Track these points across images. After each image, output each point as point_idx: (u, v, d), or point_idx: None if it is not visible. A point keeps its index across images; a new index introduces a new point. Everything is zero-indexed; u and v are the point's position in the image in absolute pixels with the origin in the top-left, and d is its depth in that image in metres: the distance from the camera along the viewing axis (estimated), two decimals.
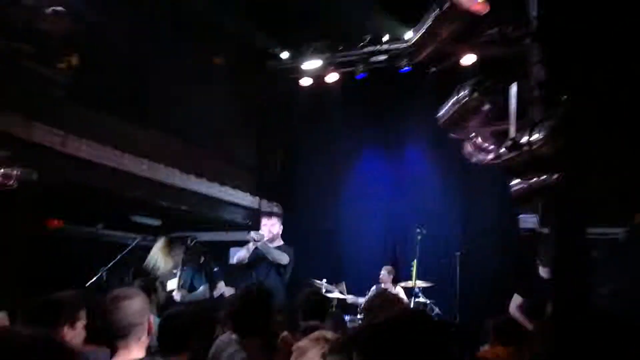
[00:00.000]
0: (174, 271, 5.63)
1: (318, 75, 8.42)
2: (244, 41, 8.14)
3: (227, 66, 8.36)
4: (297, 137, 9.25)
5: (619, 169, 4.67)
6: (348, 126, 8.74)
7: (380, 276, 7.05)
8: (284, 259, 5.48)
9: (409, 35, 7.61)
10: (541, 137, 3.21)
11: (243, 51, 8.45)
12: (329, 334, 3.11)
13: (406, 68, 7.86)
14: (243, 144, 8.60)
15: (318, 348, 2.64)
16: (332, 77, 8.34)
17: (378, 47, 8.08)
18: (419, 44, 3.72)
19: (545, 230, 6.80)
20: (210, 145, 7.65)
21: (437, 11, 3.54)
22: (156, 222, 7.48)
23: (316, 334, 2.96)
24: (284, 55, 8.57)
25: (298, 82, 8.53)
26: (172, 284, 5.49)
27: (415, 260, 6.42)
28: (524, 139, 3.32)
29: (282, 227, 5.87)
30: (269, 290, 3.28)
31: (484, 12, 3.46)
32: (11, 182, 4.68)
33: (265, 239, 5.58)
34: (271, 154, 9.18)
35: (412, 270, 6.46)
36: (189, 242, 5.52)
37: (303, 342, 2.70)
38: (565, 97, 3.33)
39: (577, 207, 3.73)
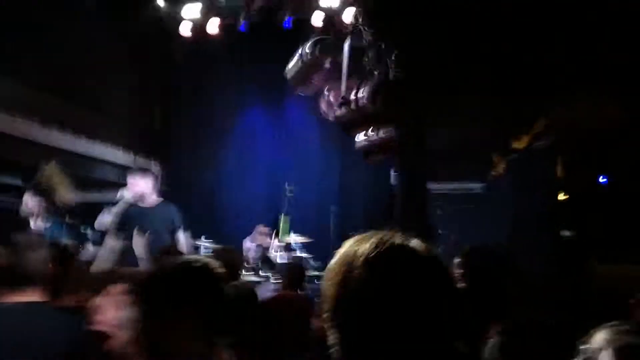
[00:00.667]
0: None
1: (199, 25, 8.11)
2: None
3: (99, 11, 7.77)
4: (177, 88, 8.92)
5: (465, 126, 4.91)
6: (231, 79, 8.56)
7: (252, 234, 7.10)
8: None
9: None
10: (365, 94, 3.28)
11: None
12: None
13: (288, 23, 7.75)
14: (117, 96, 8.12)
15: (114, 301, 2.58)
16: (212, 27, 8.05)
17: None
18: None
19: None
20: (78, 96, 7.15)
21: None
22: (17, 182, 6.96)
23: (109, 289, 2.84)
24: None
25: (178, 31, 8.17)
26: None
27: (282, 216, 6.47)
28: (352, 96, 3.37)
29: (153, 183, 5.30)
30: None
31: None
32: None
33: (130, 198, 5.13)
34: (149, 105, 8.79)
35: (280, 226, 6.51)
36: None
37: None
38: (395, 57, 3.40)
39: (416, 161, 3.88)
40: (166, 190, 8.29)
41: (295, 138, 8.27)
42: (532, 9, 4.10)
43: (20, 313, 2.31)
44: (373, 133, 3.64)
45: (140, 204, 5.15)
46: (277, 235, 7.04)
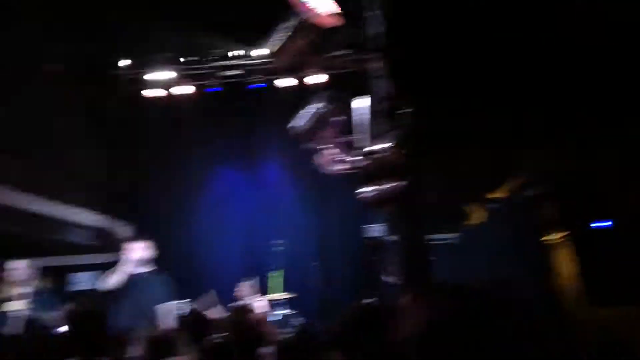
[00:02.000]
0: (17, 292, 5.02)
1: (165, 88, 8.24)
2: (86, 50, 7.67)
3: (69, 77, 7.75)
4: (148, 152, 8.86)
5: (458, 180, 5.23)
6: (202, 141, 8.62)
7: (238, 292, 7.00)
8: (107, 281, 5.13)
9: (259, 51, 7.91)
10: (389, 146, 3.48)
11: (86, 61, 7.92)
12: None
13: (258, 84, 8.05)
14: (88, 159, 7.98)
15: None
16: (184, 90, 8.22)
17: (229, 61, 8.16)
18: (275, 54, 3.78)
19: (391, 238, 7.36)
20: (49, 161, 6.97)
21: (292, 23, 3.64)
22: None
23: None
24: (124, 63, 8.20)
25: (149, 95, 8.27)
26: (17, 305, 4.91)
27: (270, 273, 6.46)
28: (374, 148, 3.57)
29: (152, 251, 5.44)
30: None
31: (337, 25, 3.66)
32: None
33: (132, 264, 5.20)
34: (120, 168, 8.66)
35: (270, 283, 6.48)
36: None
37: None
38: (406, 109, 3.67)
39: (421, 212, 4.09)
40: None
41: (271, 197, 8.35)
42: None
43: None
44: (384, 184, 3.82)
45: (136, 271, 5.22)
46: (264, 293, 7.01)
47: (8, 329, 4.84)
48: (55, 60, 7.54)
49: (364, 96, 3.92)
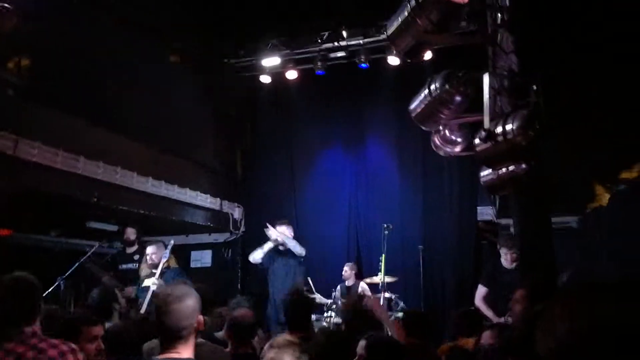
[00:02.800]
0: (153, 271, 5.64)
1: (277, 73, 8.39)
2: (200, 40, 8.05)
3: (185, 66, 8.20)
4: (257, 136, 9.16)
5: (579, 160, 4.89)
6: (308, 123, 8.74)
7: (343, 273, 7.09)
8: (301, 250, 6.68)
9: (365, 32, 7.83)
10: (515, 126, 3.28)
11: (200, 50, 8.32)
12: (293, 337, 3.22)
13: (365, 64, 7.96)
14: (202, 144, 8.42)
15: (290, 352, 2.71)
16: (291, 74, 8.32)
17: (336, 43, 8.13)
18: (394, 36, 3.67)
19: (503, 221, 7.04)
20: (169, 147, 7.44)
21: (414, 1, 3.50)
22: (113, 228, 7.22)
23: (281, 339, 3.05)
24: (242, 53, 8.47)
25: (257, 80, 8.50)
26: (149, 282, 5.41)
27: (383, 256, 6.44)
28: (499, 129, 3.37)
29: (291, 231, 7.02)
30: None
31: (464, 2, 3.47)
32: None
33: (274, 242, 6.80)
34: (231, 153, 9.04)
35: (380, 266, 6.48)
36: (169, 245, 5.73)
37: (273, 352, 2.73)
38: (535, 86, 3.43)
39: (545, 196, 3.87)
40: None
41: (376, 178, 8.28)
42: None
43: None
44: (506, 167, 3.63)
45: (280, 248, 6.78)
46: (360, 274, 7.14)
47: (139, 303, 5.31)
48: (176, 51, 8.02)
49: (485, 73, 3.72)
